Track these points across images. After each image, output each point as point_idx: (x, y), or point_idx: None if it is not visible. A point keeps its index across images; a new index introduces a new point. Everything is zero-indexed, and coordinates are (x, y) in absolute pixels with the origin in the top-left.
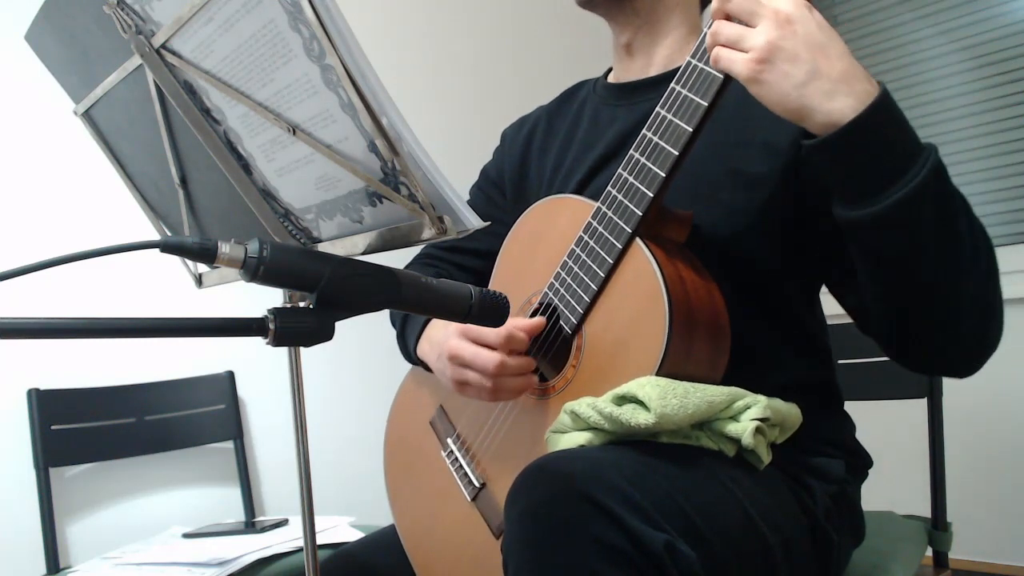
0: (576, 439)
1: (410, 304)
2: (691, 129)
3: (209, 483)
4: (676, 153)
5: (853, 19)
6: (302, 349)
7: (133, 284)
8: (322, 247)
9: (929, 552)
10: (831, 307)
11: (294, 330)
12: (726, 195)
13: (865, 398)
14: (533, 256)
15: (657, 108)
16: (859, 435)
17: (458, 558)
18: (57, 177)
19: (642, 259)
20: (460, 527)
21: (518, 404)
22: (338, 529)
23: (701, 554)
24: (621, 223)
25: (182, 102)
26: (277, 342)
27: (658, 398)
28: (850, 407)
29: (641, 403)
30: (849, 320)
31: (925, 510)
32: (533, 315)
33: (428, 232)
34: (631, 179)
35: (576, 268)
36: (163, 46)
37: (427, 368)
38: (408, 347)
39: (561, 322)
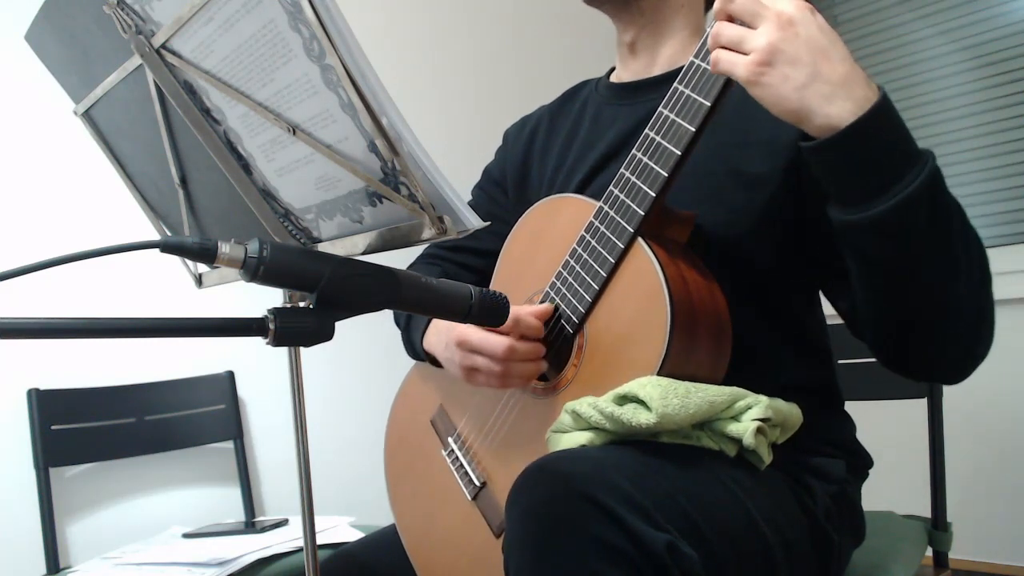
0: (577, 439)
1: (410, 304)
2: (694, 129)
3: (209, 483)
4: (679, 153)
5: (853, 19)
6: (302, 349)
7: (133, 284)
8: (322, 247)
9: (929, 552)
10: (831, 307)
11: (294, 330)
12: (727, 195)
13: (865, 398)
14: (535, 255)
15: (660, 108)
16: (859, 435)
17: (458, 557)
18: (57, 177)
19: (644, 259)
20: (460, 526)
21: (519, 403)
22: (338, 529)
23: (702, 554)
24: (623, 222)
25: (182, 102)
26: (277, 342)
27: (659, 398)
28: (850, 407)
29: (642, 403)
30: None
31: (925, 510)
32: None
33: (428, 232)
34: (633, 179)
35: (578, 267)
36: (163, 46)
37: (433, 362)
38: (413, 342)
39: (563, 321)
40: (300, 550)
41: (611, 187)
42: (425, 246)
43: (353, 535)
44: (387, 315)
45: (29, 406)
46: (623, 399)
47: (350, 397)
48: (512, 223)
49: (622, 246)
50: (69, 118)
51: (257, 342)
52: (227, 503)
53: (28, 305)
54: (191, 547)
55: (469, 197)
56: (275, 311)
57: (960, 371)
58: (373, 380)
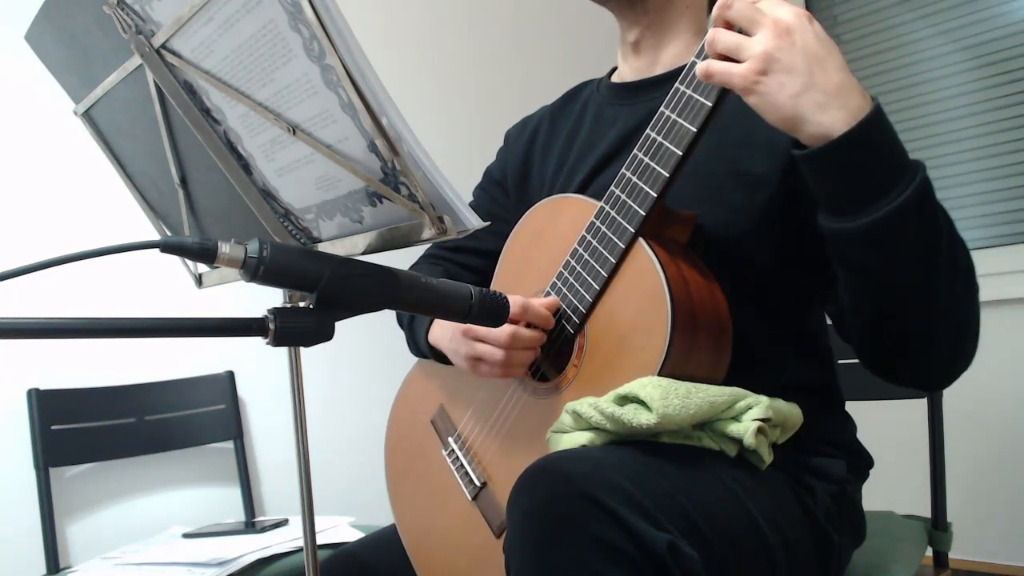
0: (578, 439)
1: (410, 304)
2: (695, 129)
3: (209, 483)
4: (680, 153)
5: (853, 19)
6: (302, 349)
7: (133, 284)
8: (322, 247)
9: (929, 552)
10: None
11: (294, 330)
12: (728, 195)
13: (865, 398)
14: (536, 255)
15: (661, 108)
16: (859, 435)
17: (458, 557)
18: (57, 177)
19: (645, 259)
20: (461, 526)
21: (520, 403)
22: (338, 529)
23: (703, 554)
24: (624, 222)
25: (182, 102)
26: (277, 342)
27: (660, 398)
28: (850, 407)
29: (643, 403)
30: None
31: (925, 510)
32: None
33: (428, 232)
34: (634, 179)
35: (579, 267)
36: (163, 46)
37: (438, 357)
38: (417, 338)
39: (563, 321)
40: (300, 550)
41: (612, 187)
42: (426, 246)
43: (353, 535)
44: (387, 315)
45: (29, 406)
46: (624, 399)
47: (350, 397)
48: (513, 223)
49: (623, 246)
50: (69, 118)
51: (257, 342)
52: (227, 503)
53: (28, 305)
54: (191, 547)
55: (470, 198)
56: (275, 311)
57: (944, 378)
58: (373, 380)
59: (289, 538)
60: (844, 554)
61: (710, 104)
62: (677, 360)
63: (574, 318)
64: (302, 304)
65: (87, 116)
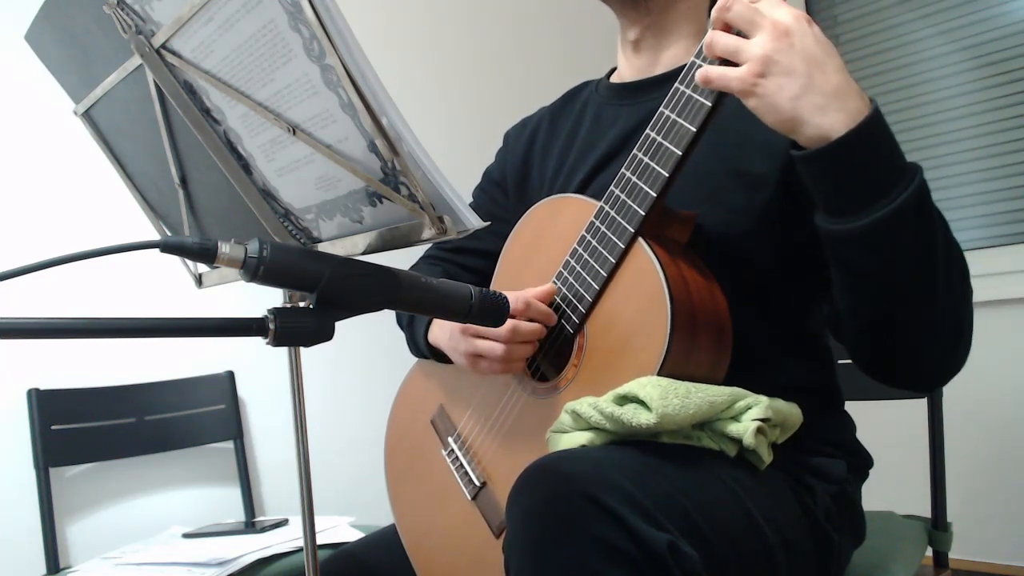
0: (577, 439)
1: (410, 304)
2: (695, 129)
3: (209, 483)
4: (679, 153)
5: (853, 19)
6: (302, 349)
7: (133, 284)
8: (322, 247)
9: (929, 552)
10: None
11: (294, 330)
12: (727, 195)
13: (865, 398)
14: (535, 256)
15: (661, 108)
16: (859, 435)
17: (458, 557)
18: (57, 177)
19: (644, 259)
20: (460, 526)
21: (519, 403)
22: (338, 529)
23: (703, 554)
24: (624, 222)
25: (182, 102)
26: (277, 342)
27: (659, 398)
28: (850, 407)
29: (642, 403)
30: None
31: (925, 510)
32: None
33: (428, 232)
34: (634, 179)
35: (578, 267)
36: (163, 46)
37: (438, 357)
38: (417, 338)
39: (563, 321)
40: (300, 550)
41: (612, 187)
42: (426, 246)
43: (353, 535)
44: (387, 315)
45: (29, 406)
46: (623, 399)
47: (350, 397)
48: (512, 224)
49: (623, 246)
50: (69, 118)
51: (257, 342)
52: (227, 503)
53: (28, 305)
54: (191, 547)
55: (469, 198)
56: (275, 311)
57: (936, 380)
58: (373, 380)
59: (289, 538)
60: (844, 554)
61: (710, 104)
62: (677, 360)
63: (573, 318)
64: (302, 304)
65: (87, 116)
